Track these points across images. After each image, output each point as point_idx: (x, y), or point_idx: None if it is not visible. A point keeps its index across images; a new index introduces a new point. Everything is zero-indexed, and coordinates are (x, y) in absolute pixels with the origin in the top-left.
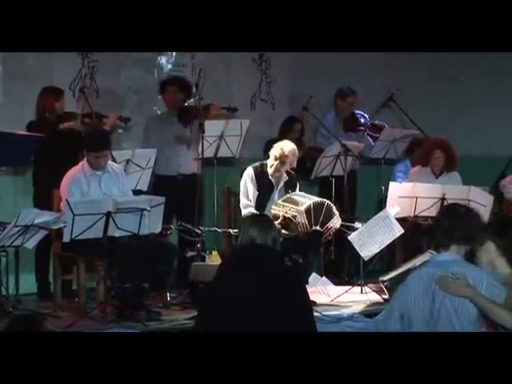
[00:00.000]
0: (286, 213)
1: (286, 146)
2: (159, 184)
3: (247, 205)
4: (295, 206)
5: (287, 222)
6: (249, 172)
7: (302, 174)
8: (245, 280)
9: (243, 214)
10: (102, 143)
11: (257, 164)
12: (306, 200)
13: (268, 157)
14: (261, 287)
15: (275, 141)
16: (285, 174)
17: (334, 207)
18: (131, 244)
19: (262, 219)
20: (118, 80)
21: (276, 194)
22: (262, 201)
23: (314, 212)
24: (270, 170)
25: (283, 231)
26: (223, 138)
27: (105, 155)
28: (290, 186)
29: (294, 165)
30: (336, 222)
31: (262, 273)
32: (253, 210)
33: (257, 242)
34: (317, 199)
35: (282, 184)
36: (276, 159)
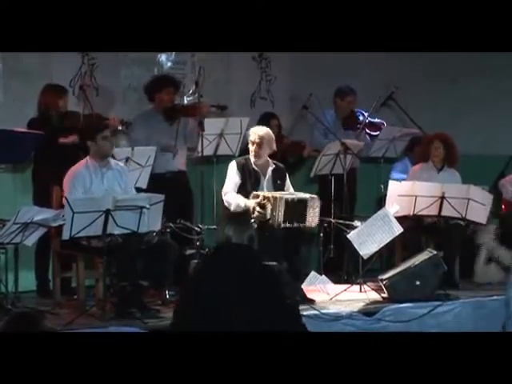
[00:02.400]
0: (267, 193)
1: (259, 129)
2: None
3: (226, 192)
4: (278, 194)
5: (264, 202)
6: (231, 165)
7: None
8: (221, 278)
9: (224, 200)
10: (103, 123)
11: (240, 157)
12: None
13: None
14: (237, 285)
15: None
16: (270, 162)
17: (305, 196)
18: (130, 242)
19: (238, 218)
20: (118, 78)
21: (264, 184)
22: (250, 191)
23: (295, 207)
24: (252, 159)
25: (258, 209)
26: (223, 136)
27: (109, 138)
28: (278, 176)
29: (274, 147)
30: (313, 204)
31: (238, 271)
32: (233, 195)
33: (233, 241)
34: (301, 195)
35: (269, 173)
36: (253, 144)
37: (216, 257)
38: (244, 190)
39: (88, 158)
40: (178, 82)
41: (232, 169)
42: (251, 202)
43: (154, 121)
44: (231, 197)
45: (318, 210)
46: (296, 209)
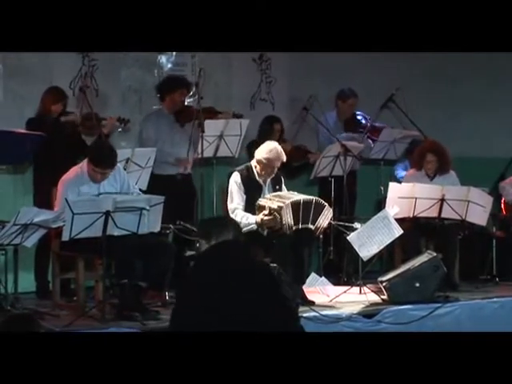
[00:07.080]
0: (272, 203)
1: (271, 153)
2: (157, 183)
3: (234, 208)
4: (282, 199)
5: (271, 213)
6: (235, 178)
7: (287, 174)
8: (213, 276)
9: (232, 217)
10: (108, 162)
11: (242, 167)
12: (294, 196)
13: (252, 158)
14: (229, 283)
15: (256, 143)
16: None
17: (322, 201)
18: (130, 243)
19: (213, 224)
20: (118, 79)
21: (266, 192)
22: (253, 202)
23: (302, 209)
24: (260, 172)
25: (266, 219)
26: (223, 138)
27: (105, 173)
28: (276, 183)
29: (284, 158)
30: (327, 214)
31: (229, 269)
32: (241, 213)
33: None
34: (305, 197)
35: (269, 181)
36: (268, 166)
37: (207, 255)
38: (248, 202)
39: (84, 165)
40: (190, 84)
41: (236, 182)
42: (259, 218)
43: (165, 121)
44: (240, 216)
45: (326, 218)
46: (304, 210)
